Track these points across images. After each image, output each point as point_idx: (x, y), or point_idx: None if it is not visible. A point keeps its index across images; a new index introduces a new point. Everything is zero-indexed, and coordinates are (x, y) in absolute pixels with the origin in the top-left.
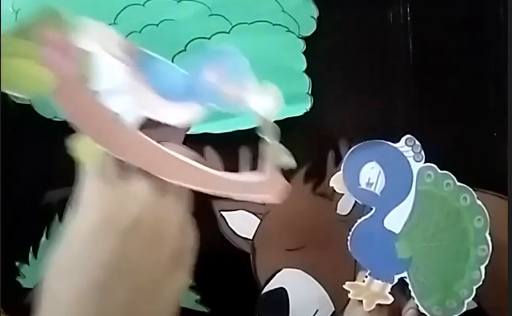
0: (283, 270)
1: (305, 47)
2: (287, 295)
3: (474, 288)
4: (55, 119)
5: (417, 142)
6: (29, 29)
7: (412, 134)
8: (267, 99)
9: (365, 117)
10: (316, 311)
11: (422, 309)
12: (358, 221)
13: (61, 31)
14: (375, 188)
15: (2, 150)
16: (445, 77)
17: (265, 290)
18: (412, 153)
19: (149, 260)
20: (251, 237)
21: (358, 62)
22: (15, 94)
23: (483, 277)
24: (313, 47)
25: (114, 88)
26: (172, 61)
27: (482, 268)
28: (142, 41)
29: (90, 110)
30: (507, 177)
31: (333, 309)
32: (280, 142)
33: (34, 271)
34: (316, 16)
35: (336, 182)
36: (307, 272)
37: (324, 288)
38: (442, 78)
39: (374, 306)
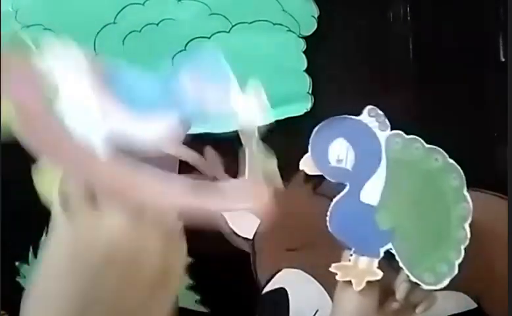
0: (284, 270)
1: (305, 47)
2: (287, 295)
3: (462, 247)
4: None
5: (379, 112)
6: None
7: (412, 134)
8: (251, 104)
9: None
10: (316, 311)
11: (413, 279)
12: (334, 200)
13: (22, 57)
14: (345, 164)
15: (2, 150)
16: (445, 77)
17: (265, 290)
18: (377, 123)
19: (126, 288)
20: (251, 237)
21: (359, 62)
22: None
23: (468, 235)
24: (313, 46)
25: (81, 108)
26: (172, 60)
27: (466, 226)
28: (142, 40)
29: (56, 136)
30: (507, 177)
31: None
32: (280, 144)
33: (34, 271)
34: (316, 16)
35: (305, 164)
36: (307, 272)
37: (324, 288)
38: (442, 78)
39: (364, 284)
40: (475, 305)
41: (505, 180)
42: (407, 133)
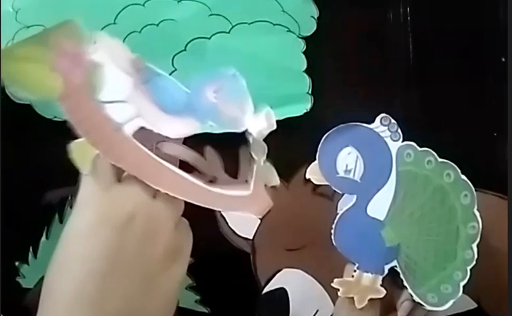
0: (283, 270)
1: (305, 47)
2: (287, 295)
3: (468, 268)
4: (55, 119)
5: (393, 120)
6: (46, 37)
7: (412, 134)
8: (261, 121)
9: (365, 117)
10: (317, 311)
11: (416, 298)
12: (340, 212)
13: (76, 42)
14: (354, 175)
15: (2, 150)
16: (445, 77)
17: (265, 290)
18: (388, 133)
19: (144, 254)
20: (251, 237)
21: (359, 62)
22: (24, 95)
23: (475, 256)
24: (313, 47)
25: (118, 99)
26: (172, 61)
27: (474, 246)
28: (142, 41)
29: (93, 119)
30: (507, 177)
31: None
32: (280, 144)
33: (34, 271)
34: (316, 16)
35: (312, 173)
36: (307, 272)
37: (324, 288)
38: (442, 78)
39: (366, 302)
40: (475, 305)
41: (505, 180)
42: (406, 133)
